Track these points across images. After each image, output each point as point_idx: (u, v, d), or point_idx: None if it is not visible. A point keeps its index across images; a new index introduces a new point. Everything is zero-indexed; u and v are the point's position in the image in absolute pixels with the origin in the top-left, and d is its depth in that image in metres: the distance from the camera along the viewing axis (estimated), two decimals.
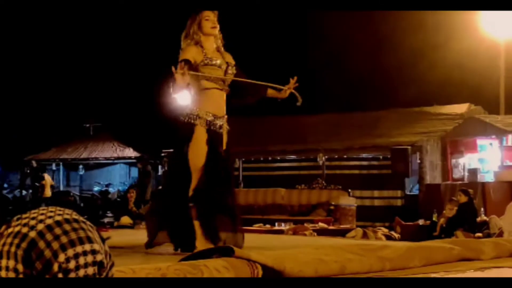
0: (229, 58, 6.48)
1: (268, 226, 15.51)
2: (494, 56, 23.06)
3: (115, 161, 30.43)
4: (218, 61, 6.32)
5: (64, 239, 1.67)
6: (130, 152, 28.91)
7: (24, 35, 32.26)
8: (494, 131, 19.38)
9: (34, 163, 26.72)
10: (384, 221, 19.09)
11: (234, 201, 6.51)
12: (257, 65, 6.47)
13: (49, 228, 1.69)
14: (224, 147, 6.37)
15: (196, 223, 6.11)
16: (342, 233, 14.39)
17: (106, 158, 30.08)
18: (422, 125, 21.83)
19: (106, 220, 16.61)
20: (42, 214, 1.73)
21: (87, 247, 1.69)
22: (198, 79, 6.24)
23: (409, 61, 27.13)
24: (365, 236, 13.58)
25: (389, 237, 13.82)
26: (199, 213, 6.13)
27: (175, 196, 6.30)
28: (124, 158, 29.21)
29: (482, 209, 15.99)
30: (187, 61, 6.18)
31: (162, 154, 25.02)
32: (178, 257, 4.39)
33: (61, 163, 30.88)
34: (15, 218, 1.75)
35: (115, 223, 13.75)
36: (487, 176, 18.86)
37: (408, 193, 20.92)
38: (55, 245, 1.66)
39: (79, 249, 1.68)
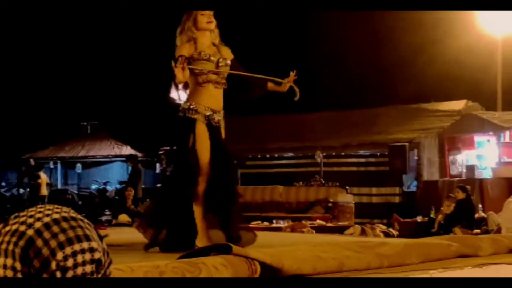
0: (227, 52, 6.42)
1: (266, 223, 15.53)
2: (492, 53, 23.09)
3: (113, 159, 30.42)
4: (209, 55, 6.28)
5: (62, 237, 1.67)
6: (127, 150, 28.89)
7: (21, 34, 32.24)
8: (492, 127, 19.40)
9: (32, 162, 26.70)
10: (382, 218, 19.12)
11: (237, 198, 6.48)
12: (256, 64, 6.42)
13: (47, 226, 1.68)
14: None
15: (200, 224, 6.07)
16: (340, 230, 14.42)
17: (103, 156, 30.08)
18: (419, 122, 21.85)
19: (104, 218, 16.62)
20: (39, 212, 1.72)
21: (85, 245, 1.69)
22: (195, 74, 6.23)
23: (407, 58, 27.14)
24: (363, 233, 13.59)
25: (387, 234, 13.84)
26: (216, 212, 6.11)
27: (179, 194, 6.26)
28: (121, 156, 29.17)
29: (480, 205, 16.03)
30: (182, 57, 6.16)
31: (160, 152, 25.03)
32: (176, 255, 4.39)
33: (58, 162, 30.88)
34: (12, 216, 1.75)
35: (113, 221, 13.74)
36: (485, 172, 18.90)
37: (406, 190, 20.94)
38: (53, 243, 1.66)
39: (77, 247, 1.67)
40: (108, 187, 28.40)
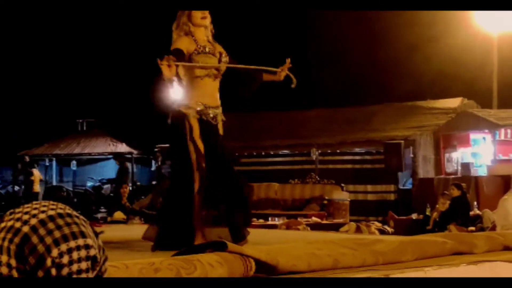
0: (220, 48, 6.40)
1: (261, 220, 15.52)
2: (488, 51, 23.10)
3: (108, 157, 30.37)
4: (214, 49, 6.28)
5: (57, 234, 1.67)
6: (123, 148, 28.85)
7: (17, 32, 32.19)
8: (487, 125, 19.43)
9: (27, 159, 26.67)
10: (378, 215, 19.16)
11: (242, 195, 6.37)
12: (253, 61, 6.38)
13: (42, 222, 1.68)
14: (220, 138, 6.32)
15: (195, 221, 6.04)
16: (336, 227, 14.41)
17: (99, 154, 30.02)
18: (415, 119, 21.86)
19: (99, 215, 16.62)
20: (35, 208, 1.72)
21: (81, 241, 1.69)
22: (192, 69, 6.18)
23: (403, 56, 27.16)
24: (358, 230, 13.60)
25: (382, 231, 13.85)
26: (216, 209, 6.09)
27: (175, 191, 6.23)
28: (120, 153, 29.16)
29: (475, 203, 16.05)
30: (178, 51, 6.12)
31: (155, 149, 25.03)
32: (171, 252, 4.39)
33: (54, 159, 30.83)
34: (8, 213, 1.75)
35: (108, 218, 13.74)
36: (480, 170, 18.93)
37: (401, 187, 20.97)
38: (48, 240, 1.66)
39: (72, 243, 1.67)
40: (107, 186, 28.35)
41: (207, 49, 6.22)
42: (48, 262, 1.65)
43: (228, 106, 6.45)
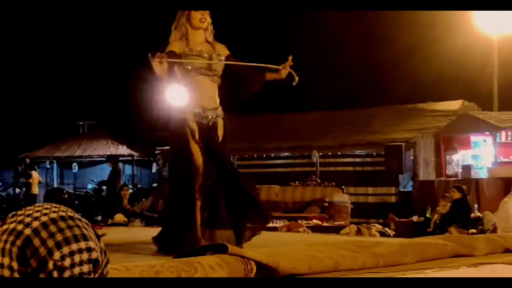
0: (221, 49, 6.38)
1: (262, 224, 15.47)
2: (488, 53, 23.09)
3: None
4: (201, 50, 6.23)
5: (59, 237, 1.67)
6: (124, 150, 28.87)
7: (18, 34, 32.20)
8: (488, 127, 19.42)
9: (28, 161, 26.68)
10: (378, 217, 19.15)
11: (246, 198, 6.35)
12: (251, 61, 6.35)
13: (44, 225, 1.68)
14: (220, 139, 6.29)
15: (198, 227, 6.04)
16: (336, 230, 14.40)
17: (100, 156, 30.02)
18: (416, 121, 21.86)
19: (99, 217, 16.57)
20: (37, 211, 1.72)
21: (82, 244, 1.69)
22: (187, 71, 6.19)
23: (403, 58, 27.15)
24: (359, 232, 13.58)
25: (383, 234, 13.83)
26: (217, 212, 6.09)
27: (176, 194, 6.23)
28: (118, 155, 29.17)
29: (475, 205, 16.04)
30: (171, 53, 6.14)
31: (156, 152, 25.03)
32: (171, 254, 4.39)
33: (55, 161, 30.85)
34: (10, 215, 1.75)
35: (109, 221, 13.72)
36: (481, 172, 18.92)
37: (402, 189, 20.97)
38: (50, 242, 1.66)
39: (74, 246, 1.67)
40: (104, 187, 28.33)
41: (194, 51, 6.21)
42: (50, 265, 1.65)
43: (231, 107, 6.45)
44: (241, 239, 5.95)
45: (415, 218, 16.48)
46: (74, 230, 1.69)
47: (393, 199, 20.95)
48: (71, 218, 1.72)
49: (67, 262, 1.66)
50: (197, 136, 6.10)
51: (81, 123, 32.15)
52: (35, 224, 1.68)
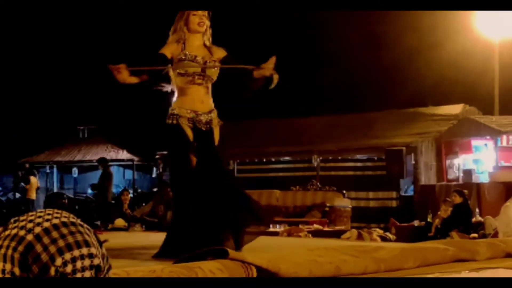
0: (219, 52, 6.35)
1: (262, 227, 15.46)
2: (489, 57, 23.07)
3: (109, 164, 30.34)
4: (195, 56, 6.21)
5: (61, 243, 1.66)
6: (124, 155, 28.85)
7: (18, 37, 32.20)
8: (489, 131, 19.41)
9: (27, 166, 26.66)
10: (379, 222, 19.13)
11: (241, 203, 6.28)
12: (251, 62, 6.30)
13: (46, 231, 1.68)
14: (216, 143, 6.26)
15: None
16: (337, 234, 14.36)
17: None
18: (416, 126, 21.84)
19: (99, 222, 16.53)
20: (39, 217, 1.72)
21: (84, 250, 1.68)
22: (180, 75, 6.20)
23: (403, 62, 27.16)
24: (360, 237, 13.56)
25: (384, 238, 13.81)
26: (214, 218, 6.06)
27: (175, 199, 6.22)
28: (118, 160, 29.14)
29: (477, 209, 16.02)
30: (161, 56, 6.16)
31: (156, 156, 25.02)
32: (172, 259, 4.39)
33: (55, 166, 30.83)
34: (12, 220, 1.75)
35: (109, 226, 13.70)
36: (482, 176, 18.89)
37: (403, 194, 20.94)
38: (52, 248, 1.65)
39: (76, 253, 1.67)
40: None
41: (187, 56, 6.19)
42: (52, 271, 1.64)
43: (230, 111, 6.43)
44: (241, 244, 5.94)
45: (416, 223, 16.45)
46: (76, 236, 1.69)
47: (394, 203, 20.92)
48: (73, 224, 1.72)
49: (69, 268, 1.65)
50: (191, 141, 6.10)
51: (81, 128, 32.12)
52: (37, 230, 1.67)
